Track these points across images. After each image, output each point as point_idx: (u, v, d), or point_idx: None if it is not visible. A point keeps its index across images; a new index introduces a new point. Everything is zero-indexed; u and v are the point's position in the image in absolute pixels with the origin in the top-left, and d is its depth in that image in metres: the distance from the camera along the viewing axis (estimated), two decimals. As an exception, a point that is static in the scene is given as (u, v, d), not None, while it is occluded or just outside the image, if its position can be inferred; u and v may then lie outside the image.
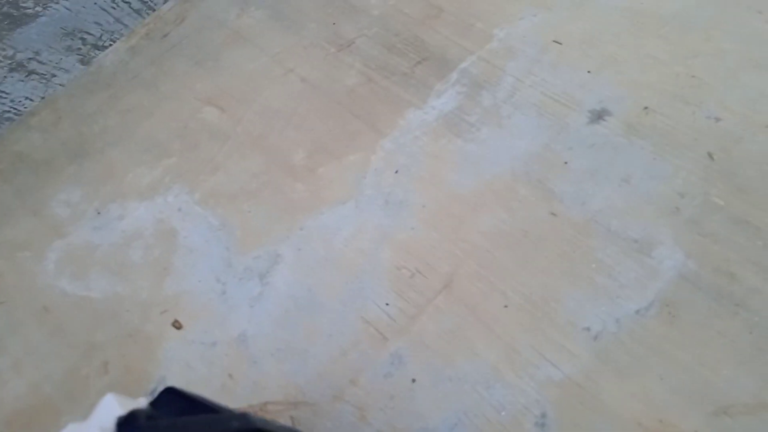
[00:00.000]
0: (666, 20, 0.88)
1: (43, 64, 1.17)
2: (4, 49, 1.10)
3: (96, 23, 1.27)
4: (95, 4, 1.28)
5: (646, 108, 0.81)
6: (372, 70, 0.93)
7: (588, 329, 0.67)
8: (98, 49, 1.26)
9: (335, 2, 1.03)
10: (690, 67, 0.83)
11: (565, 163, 0.79)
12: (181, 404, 0.44)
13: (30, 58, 1.13)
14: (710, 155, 0.76)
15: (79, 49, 1.26)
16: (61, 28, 1.24)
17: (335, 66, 0.95)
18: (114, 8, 1.28)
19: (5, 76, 1.09)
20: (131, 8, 1.28)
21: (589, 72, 0.86)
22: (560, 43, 0.89)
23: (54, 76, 1.14)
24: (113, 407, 0.40)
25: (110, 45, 1.22)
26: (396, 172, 0.82)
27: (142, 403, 0.41)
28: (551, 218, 0.75)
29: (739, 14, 0.87)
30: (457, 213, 0.78)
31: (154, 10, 1.24)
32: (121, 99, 0.98)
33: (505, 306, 0.70)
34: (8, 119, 1.07)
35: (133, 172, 0.89)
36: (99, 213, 0.85)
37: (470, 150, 0.83)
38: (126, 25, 1.26)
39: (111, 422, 0.39)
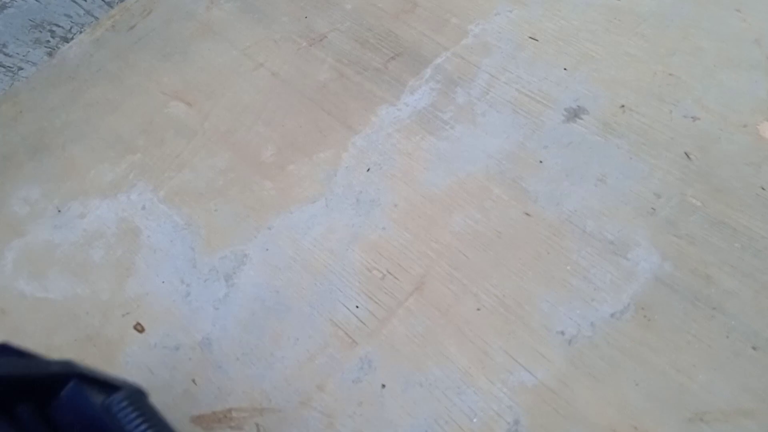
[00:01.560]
0: (643, 17, 0.87)
1: (10, 56, 1.13)
2: (-38, 40, 1.06)
3: (66, 15, 1.23)
4: None
5: (622, 106, 0.79)
6: (344, 65, 0.91)
7: (562, 333, 0.65)
8: (67, 42, 1.22)
9: (308, -5, 1.00)
10: (667, 65, 0.82)
11: (540, 162, 0.77)
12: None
13: (-6, 50, 1.09)
14: (687, 155, 0.74)
15: (48, 41, 1.22)
16: (30, 19, 1.20)
17: (307, 60, 0.92)
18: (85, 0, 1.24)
19: (-36, 68, 1.05)
20: (103, 0, 1.24)
21: (565, 69, 0.84)
22: (536, 40, 0.87)
23: (21, 69, 1.10)
24: None
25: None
26: (368, 170, 0.80)
27: None
28: (526, 218, 0.73)
29: (717, 12, 0.86)
30: (429, 212, 0.75)
31: (124, 1, 1.20)
32: (84, 93, 0.95)
33: (478, 309, 0.68)
34: (-34, 113, 1.03)
35: (95, 168, 0.86)
36: (59, 211, 0.82)
37: (444, 148, 0.80)
38: (96, 18, 1.22)
39: None
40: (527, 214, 0.74)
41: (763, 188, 0.71)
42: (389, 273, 0.72)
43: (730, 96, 0.78)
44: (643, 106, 0.79)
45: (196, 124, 0.89)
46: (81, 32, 1.16)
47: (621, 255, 0.69)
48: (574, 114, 0.80)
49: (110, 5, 1.23)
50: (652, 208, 0.72)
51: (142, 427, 0.43)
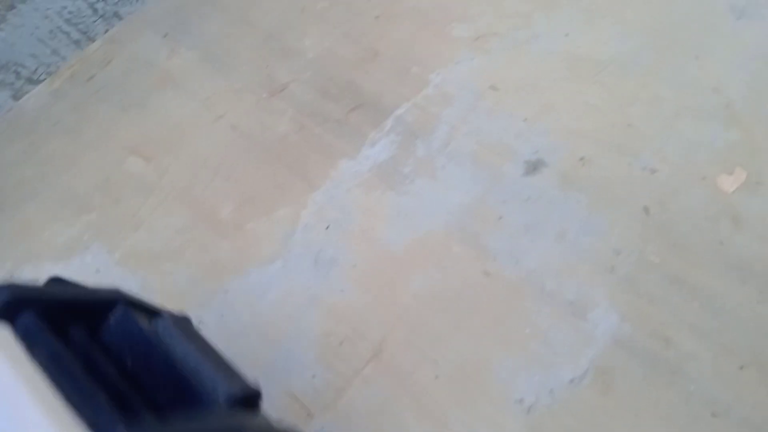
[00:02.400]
0: (603, 65, 0.86)
1: (-29, 100, 1.11)
2: None
3: (32, 55, 1.21)
4: (32, 35, 1.22)
5: (582, 159, 0.79)
6: (305, 117, 0.90)
7: (521, 401, 0.64)
8: (32, 84, 1.20)
9: (269, 44, 0.99)
10: (626, 115, 0.82)
11: (500, 217, 0.76)
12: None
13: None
14: (646, 209, 0.74)
15: (12, 84, 1.21)
16: (-7, 60, 1.18)
17: (267, 112, 0.91)
18: (52, 39, 1.23)
19: None
20: (70, 39, 1.23)
21: (525, 120, 0.83)
22: (497, 89, 0.87)
23: (-20, 115, 1.08)
24: None
25: (45, 78, 1.16)
26: (327, 227, 0.79)
27: None
28: (485, 278, 0.72)
29: (676, 59, 0.85)
30: (388, 273, 0.74)
31: (93, 41, 1.18)
32: (40, 148, 0.93)
33: (436, 377, 0.66)
34: None
35: (49, 229, 0.84)
36: (12, 276, 0.80)
37: (404, 203, 0.79)
38: (63, 57, 1.21)
39: None
40: (487, 273, 0.73)
41: (721, 243, 0.70)
42: (347, 339, 0.71)
43: (689, 147, 0.78)
44: (603, 158, 0.79)
45: (154, 180, 0.87)
46: (48, 73, 1.14)
47: (580, 316, 0.68)
48: (534, 167, 0.79)
49: (78, 44, 1.22)
50: (612, 266, 0.71)
51: (189, 348, 0.45)
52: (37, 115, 1.01)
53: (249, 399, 0.46)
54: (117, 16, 1.25)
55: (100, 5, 1.26)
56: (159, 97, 0.98)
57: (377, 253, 0.77)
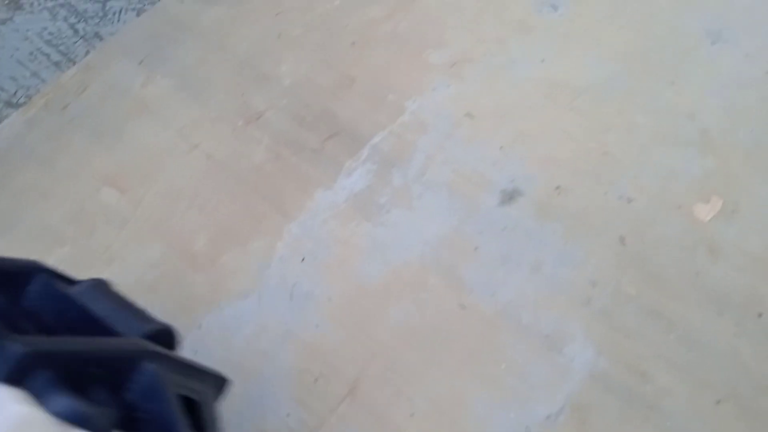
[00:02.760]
0: (579, 92, 0.86)
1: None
2: None
3: (11, 78, 1.20)
4: (12, 57, 1.21)
5: (558, 187, 0.78)
6: (281, 146, 0.89)
7: (496, 439, 0.63)
8: (11, 107, 1.19)
9: (245, 70, 0.98)
10: (602, 142, 0.81)
11: (476, 248, 0.75)
12: None
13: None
14: (622, 239, 0.73)
15: (-10, 107, 1.19)
16: (-28, 84, 1.17)
17: (243, 141, 0.90)
18: (32, 61, 1.21)
19: None
20: (50, 60, 1.21)
21: (501, 148, 0.83)
22: (473, 117, 0.86)
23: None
24: None
25: (25, 102, 1.15)
26: (302, 260, 0.78)
27: None
28: (461, 311, 0.71)
29: (652, 85, 0.85)
30: (364, 307, 0.73)
31: (74, 63, 1.17)
32: (14, 178, 0.92)
33: (412, 414, 0.65)
34: None
35: (21, 264, 0.82)
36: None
37: (380, 234, 0.79)
38: (43, 80, 1.19)
39: None
40: (463, 306, 0.72)
41: (698, 274, 0.70)
42: (322, 375, 0.70)
43: (665, 175, 0.77)
44: (579, 187, 0.78)
45: (128, 211, 0.86)
46: (28, 96, 1.12)
47: (556, 350, 0.68)
48: (510, 196, 0.79)
49: (58, 66, 1.20)
50: (588, 298, 0.70)
51: (104, 303, 0.47)
52: (10, 145, 1.00)
53: (162, 337, 0.49)
54: (98, 36, 1.24)
55: (81, 26, 1.25)
56: (134, 126, 0.97)
57: (353, 286, 0.76)
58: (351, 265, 0.77)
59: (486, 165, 0.82)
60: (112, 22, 1.26)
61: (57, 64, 1.22)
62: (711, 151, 0.78)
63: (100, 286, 0.51)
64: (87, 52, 1.20)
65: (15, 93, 1.18)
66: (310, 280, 0.77)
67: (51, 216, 0.87)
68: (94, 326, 0.46)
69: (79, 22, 1.28)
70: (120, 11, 1.26)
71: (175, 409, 0.42)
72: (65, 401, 0.33)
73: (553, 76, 0.89)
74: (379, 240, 0.78)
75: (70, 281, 0.51)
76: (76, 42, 1.25)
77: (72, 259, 0.82)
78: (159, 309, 0.72)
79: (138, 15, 1.22)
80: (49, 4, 1.36)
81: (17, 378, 0.33)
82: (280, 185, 0.85)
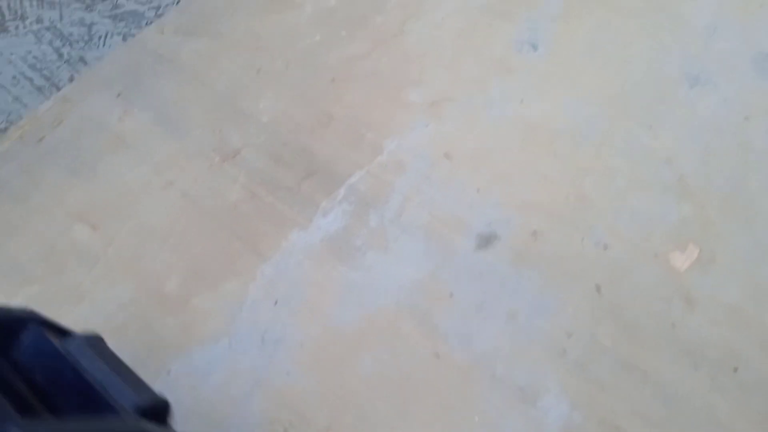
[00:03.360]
0: (557, 134, 0.86)
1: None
2: None
3: None
4: None
5: (534, 232, 0.77)
6: (257, 185, 0.88)
7: (467, 497, 0.62)
8: (-7, 132, 1.17)
9: (223, 106, 0.97)
10: (579, 187, 0.81)
11: (451, 294, 0.74)
12: None
13: None
14: (598, 288, 0.73)
15: (-31, 133, 1.17)
16: (-49, 109, 1.15)
17: (219, 178, 0.89)
18: (14, 85, 1.20)
19: None
20: (33, 85, 1.20)
21: (478, 190, 0.82)
22: (451, 158, 0.86)
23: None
24: None
25: (6, 128, 1.13)
26: (275, 303, 0.77)
27: None
28: (435, 360, 0.70)
29: (630, 129, 0.85)
30: (336, 353, 0.72)
31: (58, 89, 1.16)
32: (-15, 214, 0.90)
33: (382, 468, 0.64)
34: None
35: (-12, 304, 0.81)
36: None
37: (354, 278, 0.77)
38: (25, 105, 1.18)
39: None
40: (437, 355, 0.71)
41: (673, 326, 0.69)
42: (292, 425, 0.68)
43: (642, 222, 0.77)
44: (555, 232, 0.77)
45: (100, 249, 0.85)
46: (9, 121, 1.11)
47: (530, 403, 0.67)
48: (486, 241, 0.78)
49: (41, 91, 1.19)
50: (563, 349, 0.69)
51: (99, 364, 0.46)
52: (-18, 178, 0.98)
53: (157, 411, 0.48)
54: (82, 60, 1.23)
55: (65, 50, 1.24)
56: (109, 161, 0.95)
57: (326, 331, 0.75)
58: (324, 310, 0.76)
59: (463, 208, 0.81)
60: (98, 47, 1.25)
61: (40, 89, 1.20)
62: (688, 198, 0.78)
63: (94, 343, 0.49)
64: (71, 77, 1.19)
65: (-6, 118, 1.16)
66: (283, 324, 0.75)
67: (22, 252, 0.85)
68: (87, 391, 0.45)
69: (64, 45, 1.27)
70: (105, 35, 1.26)
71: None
72: None
73: (532, 118, 0.88)
74: (353, 284, 0.77)
75: (63, 332, 0.51)
76: (60, 66, 1.24)
77: (41, 297, 0.81)
78: (128, 352, 0.70)
79: (124, 40, 1.21)
80: (35, 27, 1.35)
81: None
82: (255, 225, 0.84)
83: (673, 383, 0.66)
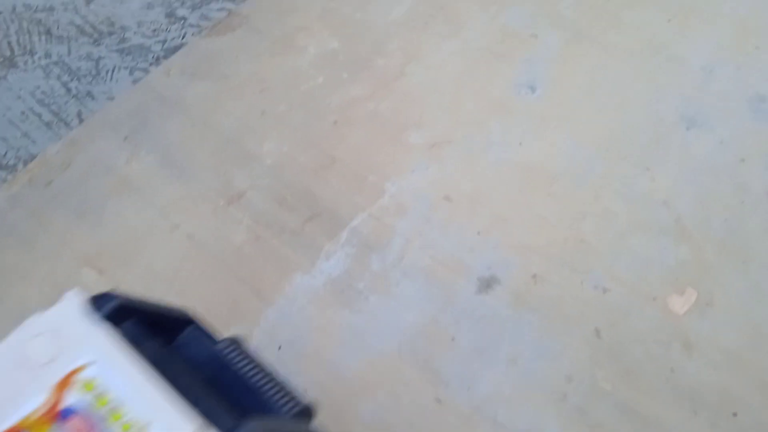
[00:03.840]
0: (555, 177, 0.87)
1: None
2: None
3: (1, 138, 1.20)
4: (3, 116, 1.22)
5: (534, 276, 0.79)
6: (261, 227, 0.89)
7: None
8: (2, 169, 1.19)
9: (228, 148, 0.99)
10: (578, 229, 0.82)
11: (453, 338, 0.75)
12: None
13: None
14: (597, 332, 0.73)
15: (-21, 170, 1.19)
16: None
17: (223, 221, 0.91)
18: (23, 121, 1.22)
19: None
20: (41, 121, 1.22)
21: (478, 233, 0.83)
22: (451, 200, 0.87)
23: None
24: (77, 297, 0.46)
25: (15, 163, 1.15)
26: (279, 348, 0.78)
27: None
28: (437, 406, 0.71)
29: (628, 171, 0.86)
30: (339, 399, 0.73)
31: (66, 124, 1.18)
32: (-6, 258, 0.92)
33: None
34: None
35: (-3, 350, 0.82)
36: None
37: (357, 323, 0.79)
38: (33, 141, 1.20)
39: (76, 305, 0.46)
40: (438, 400, 0.72)
41: (672, 370, 0.70)
42: (295, 473, 0.69)
43: (640, 265, 0.78)
44: (555, 275, 0.78)
45: (107, 294, 0.86)
46: (17, 157, 1.13)
47: (531, 449, 0.67)
48: (487, 284, 0.79)
49: (49, 126, 1.21)
50: (564, 394, 0.70)
51: (248, 364, 0.53)
52: (-8, 222, 1.00)
53: (308, 412, 0.56)
54: (90, 95, 1.25)
55: (73, 84, 1.26)
56: (116, 204, 0.97)
57: (328, 376, 0.76)
58: (327, 355, 0.77)
59: (463, 251, 0.82)
60: (105, 81, 1.27)
61: (48, 124, 1.23)
62: (685, 240, 0.79)
63: (237, 344, 0.56)
64: (78, 113, 1.21)
65: (5, 154, 1.18)
66: (287, 369, 0.76)
67: (30, 297, 0.87)
68: (243, 389, 0.52)
69: (72, 80, 1.30)
70: (113, 70, 1.28)
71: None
72: None
73: (531, 160, 0.90)
74: (356, 328, 0.78)
75: (209, 336, 0.56)
76: (68, 101, 1.26)
77: (48, 344, 0.82)
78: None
79: (131, 74, 1.24)
80: (43, 62, 1.38)
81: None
82: (260, 268, 0.85)
83: (673, 428, 0.67)
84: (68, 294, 0.47)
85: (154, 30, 1.34)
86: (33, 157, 1.11)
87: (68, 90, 1.27)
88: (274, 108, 1.03)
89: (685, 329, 0.73)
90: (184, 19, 1.34)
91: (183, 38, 1.30)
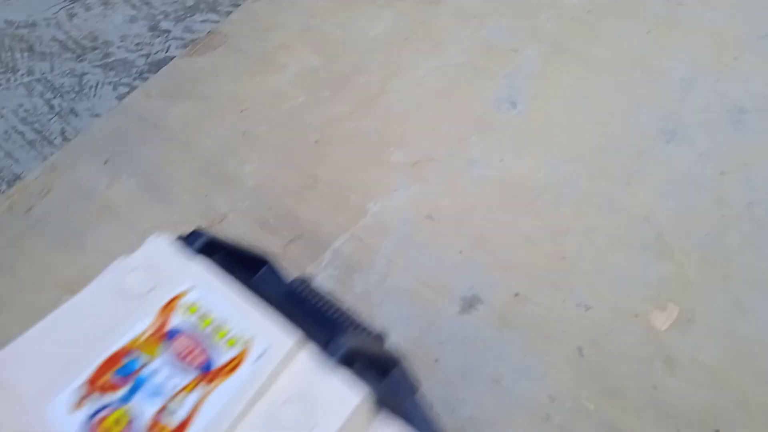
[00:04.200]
0: (537, 193, 0.87)
1: None
2: None
3: None
4: None
5: (517, 295, 0.78)
6: (243, 250, 0.88)
7: None
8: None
9: (210, 170, 0.99)
10: (560, 246, 0.82)
11: (436, 360, 0.75)
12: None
13: None
14: (580, 350, 0.73)
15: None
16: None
17: (205, 245, 0.90)
18: (6, 140, 1.21)
19: None
20: (24, 139, 1.21)
21: (461, 252, 0.83)
22: (433, 219, 0.87)
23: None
24: (163, 238, 0.52)
25: None
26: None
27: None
28: (421, 429, 0.70)
29: (609, 186, 0.86)
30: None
31: (50, 142, 1.17)
32: (-25, 287, 0.91)
33: None
34: None
35: (-23, 381, 0.81)
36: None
37: (340, 346, 0.78)
38: (17, 160, 1.19)
39: (166, 244, 0.52)
40: (422, 423, 0.71)
41: (655, 387, 0.70)
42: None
43: (622, 282, 0.78)
44: (537, 293, 0.78)
45: (89, 322, 0.85)
46: (0, 177, 1.12)
47: (516, 473, 0.67)
48: (470, 304, 0.79)
49: (32, 145, 1.19)
50: (547, 414, 0.70)
51: (321, 299, 0.57)
52: (-27, 251, 0.99)
53: (380, 339, 0.59)
54: (74, 112, 1.25)
55: (56, 101, 1.25)
56: (97, 230, 0.97)
57: (312, 402, 0.75)
58: (311, 379, 0.76)
59: (446, 271, 0.82)
60: (88, 97, 1.27)
61: (31, 143, 1.22)
62: (667, 256, 0.79)
63: (308, 283, 0.60)
64: (62, 130, 1.20)
65: (-10, 175, 1.17)
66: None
67: (11, 327, 0.86)
68: (318, 319, 0.55)
69: (55, 97, 1.29)
70: (96, 85, 1.28)
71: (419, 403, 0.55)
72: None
73: (512, 177, 0.90)
74: (339, 352, 0.78)
75: (282, 276, 0.60)
76: (52, 119, 1.25)
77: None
78: None
79: (114, 89, 1.23)
80: (26, 80, 1.37)
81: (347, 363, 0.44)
82: (242, 292, 0.85)
83: (656, 448, 0.66)
84: (152, 237, 0.53)
85: (138, 44, 1.34)
86: (16, 177, 1.10)
87: (51, 107, 1.27)
88: (255, 128, 1.03)
89: (667, 346, 0.73)
90: (168, 32, 1.34)
91: (167, 51, 1.29)
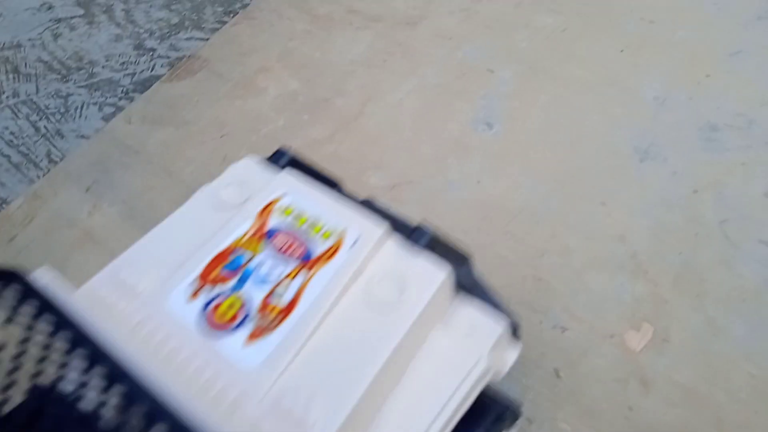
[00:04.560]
0: (513, 214, 0.88)
1: None
2: None
3: None
4: None
5: (494, 317, 0.79)
6: (223, 277, 0.89)
7: None
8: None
9: (190, 197, 0.99)
10: (536, 267, 0.83)
11: (415, 385, 0.75)
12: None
13: None
14: (557, 372, 0.74)
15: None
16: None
17: (186, 272, 0.90)
18: None
19: None
20: (10, 163, 1.21)
21: (439, 276, 0.83)
22: (411, 243, 0.87)
23: None
24: (251, 159, 0.59)
25: None
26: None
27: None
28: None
29: (584, 206, 0.87)
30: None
31: (36, 165, 1.17)
32: (-44, 319, 0.91)
33: None
34: None
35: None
36: None
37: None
38: (3, 184, 1.19)
39: (253, 163, 0.59)
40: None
41: (630, 408, 0.71)
42: None
43: (598, 302, 0.79)
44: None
45: (70, 352, 0.85)
46: None
47: (493, 497, 0.67)
48: (448, 328, 0.79)
49: (18, 168, 1.19)
50: (525, 438, 0.70)
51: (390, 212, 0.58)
52: (-46, 281, 0.99)
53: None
54: (59, 134, 1.25)
55: (42, 123, 1.26)
56: (79, 258, 0.97)
57: None
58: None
59: (424, 294, 0.83)
60: (74, 118, 1.27)
61: (17, 166, 1.22)
62: (641, 275, 0.80)
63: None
64: (48, 152, 1.20)
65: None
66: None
67: (-8, 359, 0.86)
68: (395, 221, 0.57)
69: (41, 119, 1.29)
70: (81, 106, 1.28)
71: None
72: None
73: (488, 198, 0.91)
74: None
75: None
76: (38, 141, 1.25)
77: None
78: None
79: (100, 109, 1.23)
80: (11, 102, 1.37)
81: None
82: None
83: (632, 471, 0.67)
84: (243, 160, 0.59)
85: (123, 63, 1.35)
86: (2, 202, 1.10)
87: (37, 129, 1.27)
88: (234, 153, 1.04)
89: (642, 366, 0.74)
90: (153, 50, 1.35)
91: (152, 70, 1.30)
